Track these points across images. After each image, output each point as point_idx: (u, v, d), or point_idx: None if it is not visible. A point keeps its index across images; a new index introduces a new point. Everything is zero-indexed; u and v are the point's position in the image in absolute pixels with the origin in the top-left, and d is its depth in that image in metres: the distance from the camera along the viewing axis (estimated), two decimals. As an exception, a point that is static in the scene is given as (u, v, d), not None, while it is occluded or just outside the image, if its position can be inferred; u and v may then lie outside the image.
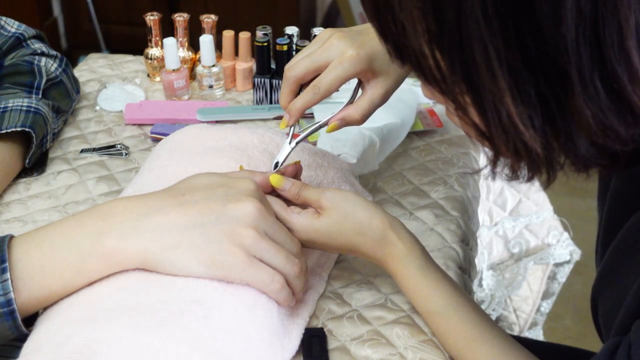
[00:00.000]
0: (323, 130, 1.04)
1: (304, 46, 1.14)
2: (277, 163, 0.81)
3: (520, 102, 0.51)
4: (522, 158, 0.55)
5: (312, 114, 1.13)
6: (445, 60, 0.52)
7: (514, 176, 0.58)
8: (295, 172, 0.81)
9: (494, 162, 0.58)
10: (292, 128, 0.83)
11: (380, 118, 1.04)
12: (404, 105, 1.08)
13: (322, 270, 0.84)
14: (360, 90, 0.84)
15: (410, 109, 1.09)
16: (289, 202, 0.78)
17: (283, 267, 0.70)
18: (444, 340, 0.76)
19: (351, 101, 0.83)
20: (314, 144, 1.01)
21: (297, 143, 0.82)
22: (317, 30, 1.19)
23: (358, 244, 0.76)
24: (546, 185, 0.58)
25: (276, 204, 0.75)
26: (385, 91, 0.82)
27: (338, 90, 0.83)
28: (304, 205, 0.78)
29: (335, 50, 0.80)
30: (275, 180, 0.77)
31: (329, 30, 0.83)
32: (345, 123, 0.83)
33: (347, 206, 0.75)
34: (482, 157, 1.22)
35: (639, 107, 0.50)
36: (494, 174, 0.59)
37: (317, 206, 0.76)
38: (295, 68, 0.81)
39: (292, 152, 0.82)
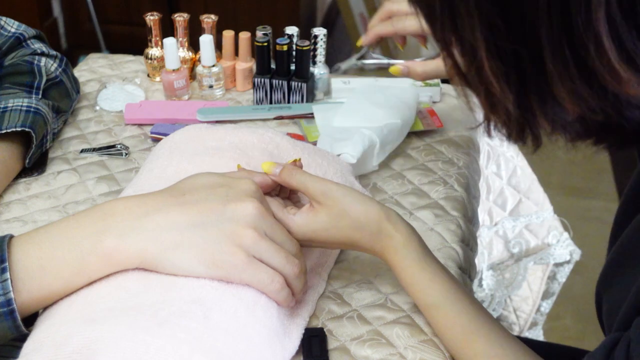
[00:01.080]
0: (324, 130, 1.04)
1: (304, 46, 1.15)
2: (337, 67, 0.95)
3: (497, 57, 0.52)
4: (499, 114, 0.57)
5: (312, 114, 1.13)
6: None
7: (507, 135, 0.60)
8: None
9: (486, 119, 0.61)
10: (364, 48, 0.97)
11: (381, 118, 1.04)
12: (404, 105, 1.08)
13: (322, 270, 0.84)
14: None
15: (410, 109, 1.09)
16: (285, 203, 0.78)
17: (283, 267, 0.70)
18: (442, 334, 0.75)
19: (423, 60, 0.95)
20: (314, 143, 1.01)
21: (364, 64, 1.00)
22: (317, 30, 1.19)
23: (356, 239, 0.76)
24: (533, 150, 0.59)
25: (273, 204, 0.75)
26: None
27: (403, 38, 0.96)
28: (297, 199, 0.79)
29: None
30: (266, 166, 0.77)
31: None
32: (408, 72, 0.94)
33: (343, 202, 0.75)
34: (482, 157, 1.22)
35: (605, 78, 0.50)
36: (488, 131, 0.62)
37: (313, 198, 0.76)
38: (396, 3, 0.95)
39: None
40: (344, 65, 0.95)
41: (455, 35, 0.55)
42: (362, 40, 0.97)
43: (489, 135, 0.62)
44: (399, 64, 0.94)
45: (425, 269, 0.75)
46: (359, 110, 1.07)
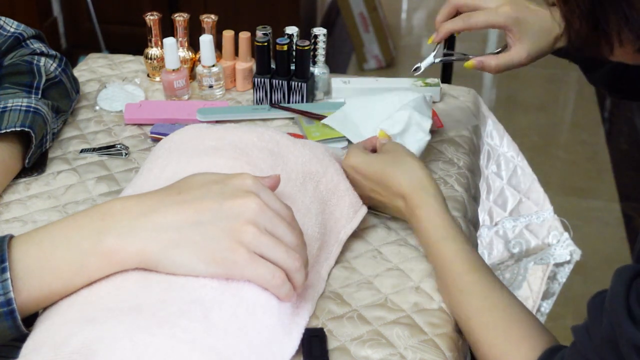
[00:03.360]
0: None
1: (304, 46, 1.15)
2: (417, 67, 0.99)
3: None
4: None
5: (305, 112, 1.13)
6: None
7: (587, 41, 0.65)
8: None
9: (566, 25, 0.65)
10: (438, 46, 0.99)
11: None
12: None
13: (322, 269, 0.84)
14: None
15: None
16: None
17: (283, 261, 0.70)
18: (446, 264, 0.81)
19: (494, 54, 0.98)
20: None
21: (441, 59, 1.01)
22: (317, 30, 1.19)
23: (392, 177, 0.87)
24: (609, 53, 0.65)
25: (360, 143, 0.93)
26: (527, 55, 0.95)
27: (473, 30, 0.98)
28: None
29: (496, 1, 0.95)
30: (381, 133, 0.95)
31: None
32: (482, 66, 0.97)
33: (402, 151, 0.90)
34: (482, 157, 1.22)
35: None
36: (569, 37, 0.67)
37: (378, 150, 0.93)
38: None
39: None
40: (423, 65, 0.99)
41: None
42: (434, 38, 0.99)
43: (570, 42, 0.68)
44: (473, 58, 0.97)
45: (443, 212, 0.84)
46: (371, 113, 1.09)
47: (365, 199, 0.92)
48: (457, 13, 0.99)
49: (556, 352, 0.72)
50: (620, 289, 0.62)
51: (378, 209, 0.94)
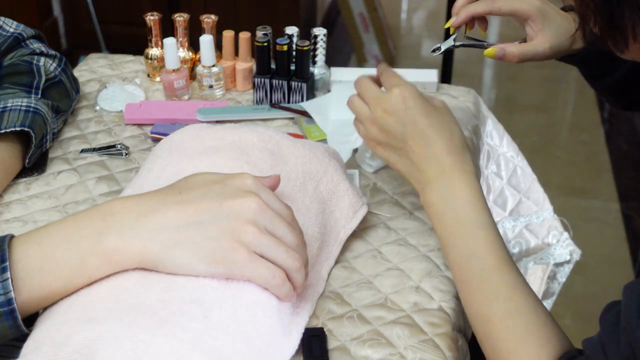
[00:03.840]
0: (325, 126, 1.05)
1: (304, 46, 1.15)
2: (437, 48, 0.95)
3: None
4: None
5: (304, 110, 1.13)
6: None
7: (601, 36, 0.64)
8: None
9: (582, 21, 0.64)
10: (457, 29, 0.95)
11: None
12: None
13: (322, 269, 0.84)
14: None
15: None
16: None
17: (283, 261, 0.70)
18: (473, 251, 0.76)
19: (516, 43, 0.94)
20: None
21: (458, 45, 0.97)
22: (317, 30, 1.19)
23: (440, 137, 0.80)
24: (624, 49, 0.63)
25: (368, 80, 0.83)
26: (550, 46, 0.92)
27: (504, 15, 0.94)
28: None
29: None
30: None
31: None
32: (504, 54, 0.93)
33: (451, 115, 0.83)
34: (482, 157, 1.22)
35: None
36: (584, 32, 0.65)
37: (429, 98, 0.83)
38: None
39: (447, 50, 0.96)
40: (443, 46, 0.95)
41: None
42: (453, 22, 0.94)
43: (584, 36, 0.66)
44: (494, 46, 0.93)
45: (480, 196, 0.79)
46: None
47: (380, 146, 0.85)
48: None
49: None
50: (634, 307, 0.61)
51: (389, 161, 0.86)
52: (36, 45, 1.12)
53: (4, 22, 1.11)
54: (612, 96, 1.03)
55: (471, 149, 1.12)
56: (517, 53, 0.92)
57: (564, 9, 0.97)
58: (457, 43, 0.96)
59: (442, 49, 0.94)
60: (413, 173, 0.83)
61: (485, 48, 0.94)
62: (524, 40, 0.95)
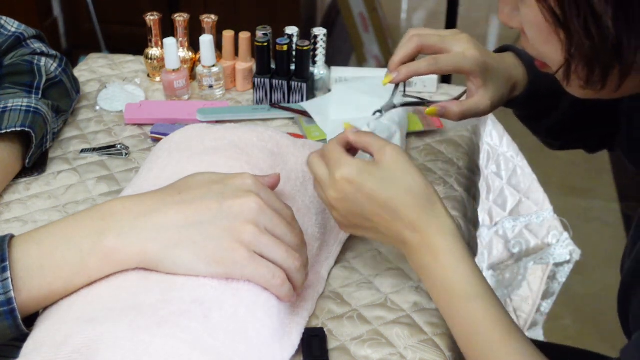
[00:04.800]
0: (326, 126, 1.04)
1: (304, 46, 1.15)
2: (378, 111, 0.87)
3: None
4: (593, 37, 0.60)
5: (304, 110, 1.13)
6: None
7: (588, 76, 0.63)
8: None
9: (568, 60, 0.63)
10: (397, 86, 0.89)
11: (375, 106, 1.03)
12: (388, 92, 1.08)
13: (322, 269, 0.84)
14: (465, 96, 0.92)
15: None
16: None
17: (284, 261, 0.70)
18: (477, 328, 0.70)
19: (456, 99, 0.91)
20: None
21: (398, 105, 0.90)
22: (317, 30, 1.19)
23: (403, 203, 0.72)
24: (617, 87, 0.63)
25: (335, 143, 0.76)
26: (491, 102, 0.89)
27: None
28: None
29: (462, 45, 0.88)
30: (347, 125, 0.80)
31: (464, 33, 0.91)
32: (445, 112, 0.89)
33: (406, 165, 0.74)
34: (482, 157, 1.22)
35: None
36: (568, 75, 0.65)
37: (377, 156, 0.75)
38: (425, 37, 0.89)
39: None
40: (384, 109, 0.88)
41: None
42: (392, 78, 0.88)
43: (567, 79, 0.66)
44: (434, 105, 0.89)
45: (469, 257, 0.72)
46: (350, 100, 1.08)
47: (349, 228, 0.78)
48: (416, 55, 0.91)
49: None
50: None
51: (372, 239, 0.81)
52: (37, 45, 1.12)
53: (5, 21, 1.11)
54: (549, 137, 1.02)
55: (471, 148, 1.12)
56: (457, 111, 0.89)
57: (501, 49, 0.96)
58: (398, 103, 0.91)
59: (383, 112, 0.88)
60: (392, 242, 0.76)
61: (426, 105, 0.91)
62: (464, 93, 0.93)
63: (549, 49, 0.67)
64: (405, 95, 0.93)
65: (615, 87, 0.64)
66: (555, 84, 0.73)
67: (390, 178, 0.73)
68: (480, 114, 0.90)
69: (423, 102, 0.91)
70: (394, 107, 0.89)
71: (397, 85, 0.89)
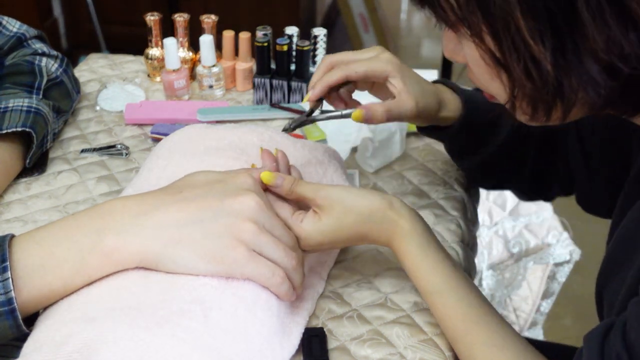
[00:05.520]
0: (325, 125, 1.04)
1: (304, 46, 1.15)
2: (286, 129, 0.87)
3: (530, 17, 0.56)
4: (534, 80, 0.59)
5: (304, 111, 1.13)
6: None
7: (533, 112, 0.63)
8: (282, 160, 0.80)
9: (512, 98, 0.63)
10: (318, 104, 0.88)
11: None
12: None
13: (322, 269, 0.84)
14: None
15: None
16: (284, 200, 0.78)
17: (282, 260, 0.70)
18: (443, 322, 0.75)
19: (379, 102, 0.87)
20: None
21: (313, 121, 0.89)
22: (317, 30, 1.19)
23: (364, 232, 0.76)
24: (562, 119, 0.63)
25: (283, 210, 0.75)
26: (416, 103, 0.85)
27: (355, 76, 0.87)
28: (298, 203, 0.78)
29: (376, 51, 0.88)
30: (266, 177, 0.76)
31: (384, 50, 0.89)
32: (370, 115, 0.84)
33: (345, 200, 0.75)
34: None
35: None
36: (513, 109, 0.64)
37: (314, 205, 0.76)
38: (338, 55, 0.88)
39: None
40: (293, 125, 0.87)
41: (483, 11, 0.58)
42: (310, 96, 0.86)
43: (513, 116, 0.65)
44: (358, 108, 0.85)
45: (428, 255, 0.75)
46: None
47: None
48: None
49: None
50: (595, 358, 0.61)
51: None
52: (38, 46, 1.12)
53: (7, 21, 1.11)
54: (479, 174, 1.00)
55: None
56: (382, 111, 0.84)
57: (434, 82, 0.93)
58: (310, 118, 0.88)
59: (292, 126, 0.87)
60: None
61: (343, 116, 0.87)
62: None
63: (493, 86, 0.65)
64: (323, 112, 0.89)
65: (561, 118, 0.63)
66: (491, 115, 0.73)
67: (340, 225, 0.75)
68: (406, 114, 0.85)
69: (339, 113, 0.87)
70: (304, 124, 0.88)
71: (318, 102, 0.87)
